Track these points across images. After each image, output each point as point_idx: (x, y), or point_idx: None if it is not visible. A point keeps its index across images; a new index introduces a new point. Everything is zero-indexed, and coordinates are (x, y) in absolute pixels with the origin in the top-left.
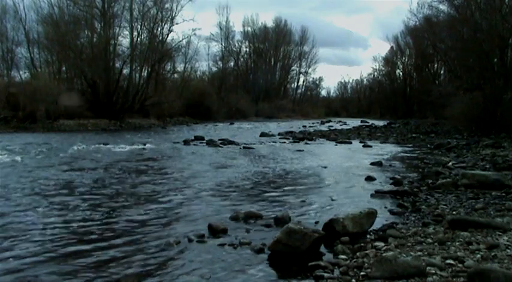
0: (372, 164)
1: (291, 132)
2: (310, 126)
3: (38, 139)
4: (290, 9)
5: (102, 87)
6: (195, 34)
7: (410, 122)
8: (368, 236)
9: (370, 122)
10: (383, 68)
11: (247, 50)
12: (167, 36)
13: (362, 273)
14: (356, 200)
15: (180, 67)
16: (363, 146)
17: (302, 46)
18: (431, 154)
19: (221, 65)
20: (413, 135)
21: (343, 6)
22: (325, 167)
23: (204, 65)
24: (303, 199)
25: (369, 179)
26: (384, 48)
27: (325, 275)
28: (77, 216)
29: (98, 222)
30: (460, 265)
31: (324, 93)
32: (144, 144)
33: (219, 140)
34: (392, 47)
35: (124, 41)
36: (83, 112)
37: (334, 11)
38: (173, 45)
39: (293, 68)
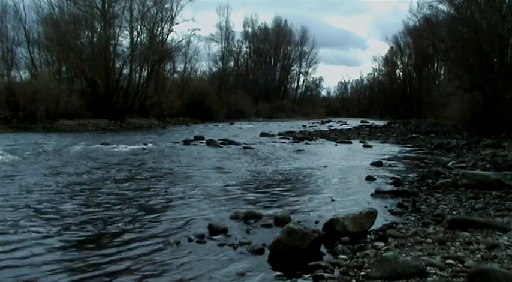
0: (372, 164)
1: (291, 132)
2: (310, 126)
3: (38, 139)
4: (289, 9)
5: (102, 87)
6: (194, 34)
7: (410, 122)
8: (368, 236)
9: (370, 122)
10: (383, 68)
11: (247, 50)
12: (167, 36)
13: (362, 273)
14: (356, 200)
15: (180, 67)
16: (363, 146)
17: (302, 46)
18: (431, 154)
19: (221, 65)
20: (413, 135)
21: (341, 6)
22: (325, 167)
23: (204, 65)
24: (303, 199)
25: (369, 179)
26: (382, 48)
27: (325, 275)
28: (77, 215)
29: (98, 222)
30: (460, 265)
31: (324, 93)
32: (144, 144)
33: (219, 140)
34: (392, 47)
35: (124, 41)
36: (83, 112)
37: (332, 12)
38: (173, 45)
39: (293, 68)
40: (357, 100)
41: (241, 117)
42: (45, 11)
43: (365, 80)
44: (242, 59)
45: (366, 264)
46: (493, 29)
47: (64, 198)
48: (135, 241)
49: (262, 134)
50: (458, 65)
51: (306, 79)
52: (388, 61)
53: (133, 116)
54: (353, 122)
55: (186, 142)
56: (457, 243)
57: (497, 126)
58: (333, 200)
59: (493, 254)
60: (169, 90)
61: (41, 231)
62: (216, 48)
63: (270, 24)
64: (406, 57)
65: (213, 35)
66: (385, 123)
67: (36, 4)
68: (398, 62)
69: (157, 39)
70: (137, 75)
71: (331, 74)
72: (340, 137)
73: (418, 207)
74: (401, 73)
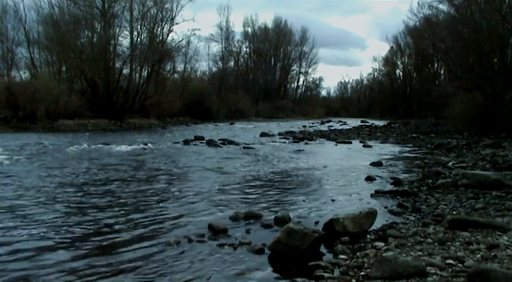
0: (372, 164)
1: (291, 132)
2: (310, 126)
3: (38, 139)
4: (289, 9)
5: (102, 87)
6: (194, 34)
7: (410, 122)
8: (368, 236)
9: (370, 122)
10: (383, 68)
11: (247, 50)
12: (167, 36)
13: (362, 273)
14: (356, 200)
15: (180, 67)
16: (363, 146)
17: (302, 46)
18: (431, 154)
19: (221, 65)
20: (414, 135)
21: (341, 6)
22: (325, 167)
23: (204, 65)
24: (303, 199)
25: (369, 179)
26: (382, 48)
27: (325, 275)
28: (76, 216)
29: (98, 222)
30: (460, 265)
31: (324, 93)
32: (145, 144)
33: (219, 140)
34: (392, 47)
35: (124, 41)
36: (83, 112)
37: (331, 12)
38: (173, 45)
39: (293, 68)
40: (357, 100)
41: (241, 117)
42: (45, 11)
43: (365, 80)
44: (242, 59)
45: (366, 264)
46: (493, 29)
47: (63, 198)
48: (135, 241)
49: (262, 134)
50: (458, 65)
51: (306, 79)
52: (388, 61)
53: (133, 116)
54: (353, 122)
55: (186, 142)
56: (457, 243)
57: (497, 126)
58: (333, 200)
59: (493, 254)
60: (169, 90)
61: (40, 231)
62: (216, 48)
63: (270, 24)
64: (406, 57)
65: (213, 35)
66: (385, 123)
67: (36, 4)
68: (398, 62)
69: (157, 39)
70: (137, 75)
71: (331, 74)
72: (340, 137)
73: (418, 207)
74: (401, 73)
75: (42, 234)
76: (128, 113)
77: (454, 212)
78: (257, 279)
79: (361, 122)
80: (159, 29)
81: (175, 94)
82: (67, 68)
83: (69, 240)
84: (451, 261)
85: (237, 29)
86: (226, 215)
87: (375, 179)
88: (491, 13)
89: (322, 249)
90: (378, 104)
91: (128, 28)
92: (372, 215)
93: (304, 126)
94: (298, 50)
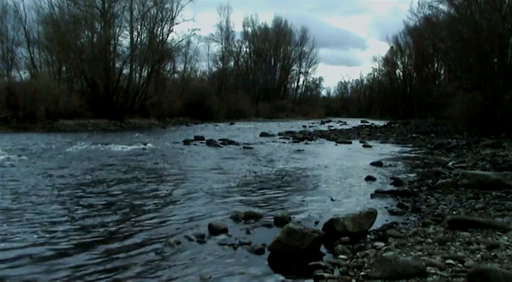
0: (372, 164)
1: (291, 132)
2: (310, 126)
3: (38, 139)
4: (289, 9)
5: (102, 87)
6: (194, 34)
7: (410, 122)
8: (368, 236)
9: (370, 122)
10: (383, 68)
11: (247, 50)
12: (167, 37)
13: (362, 273)
14: (356, 200)
15: (180, 67)
16: (363, 146)
17: (302, 46)
18: (431, 154)
19: (221, 65)
20: (414, 135)
21: (341, 6)
22: (325, 167)
23: (204, 65)
24: (303, 199)
25: (369, 179)
26: (382, 48)
27: (325, 275)
28: (76, 216)
29: (98, 222)
30: (460, 265)
31: (324, 93)
32: (144, 144)
33: (219, 140)
34: (392, 47)
35: (124, 41)
36: (83, 112)
37: (332, 12)
38: (173, 45)
39: (293, 68)
40: (357, 100)
41: (241, 117)
42: (45, 11)
43: (365, 80)
44: (242, 59)
45: (366, 264)
46: (493, 29)
47: (62, 199)
48: (135, 241)
49: (262, 134)
50: (458, 65)
51: (306, 79)
52: (388, 61)
53: (133, 116)
54: (353, 122)
55: (186, 142)
56: (457, 243)
57: (497, 126)
58: (333, 200)
59: (493, 254)
60: (169, 90)
61: (37, 230)
62: (216, 48)
63: (270, 24)
64: (406, 57)
65: (213, 35)
66: (385, 123)
67: (36, 4)
68: (398, 62)
69: (157, 39)
70: (137, 75)
71: (331, 74)
72: (340, 137)
73: (418, 207)
74: (401, 73)
75: (41, 235)
76: (128, 113)
77: (454, 212)
78: (257, 279)
79: (361, 122)
80: (159, 29)
81: (175, 94)
82: (67, 68)
83: (68, 242)
84: (451, 261)
85: (237, 29)
86: (226, 215)
87: (375, 179)
88: (491, 13)
89: (322, 249)
90: (378, 104)
91: (128, 28)
92: (372, 215)
93: (304, 126)
94: (298, 50)
